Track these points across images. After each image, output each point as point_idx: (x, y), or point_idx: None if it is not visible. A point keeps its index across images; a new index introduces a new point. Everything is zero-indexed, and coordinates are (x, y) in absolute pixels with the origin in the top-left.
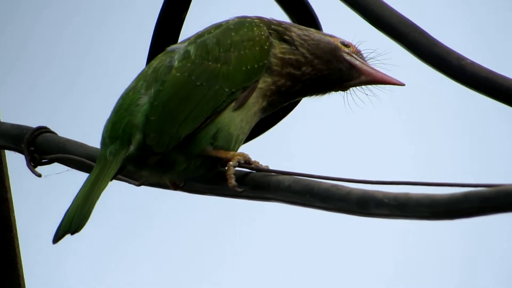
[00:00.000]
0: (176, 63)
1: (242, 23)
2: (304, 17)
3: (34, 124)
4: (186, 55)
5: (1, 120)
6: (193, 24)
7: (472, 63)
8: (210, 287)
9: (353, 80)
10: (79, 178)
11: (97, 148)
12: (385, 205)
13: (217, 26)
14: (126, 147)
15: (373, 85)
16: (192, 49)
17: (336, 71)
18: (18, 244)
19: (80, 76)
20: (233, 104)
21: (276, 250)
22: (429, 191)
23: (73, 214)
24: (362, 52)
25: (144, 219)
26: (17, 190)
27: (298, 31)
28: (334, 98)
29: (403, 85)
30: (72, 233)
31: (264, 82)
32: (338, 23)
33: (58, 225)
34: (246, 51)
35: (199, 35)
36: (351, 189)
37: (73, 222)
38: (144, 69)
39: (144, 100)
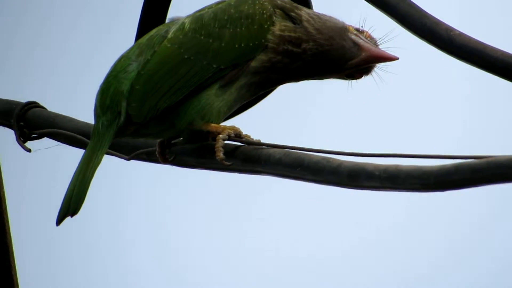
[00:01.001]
0: (169, 34)
1: (245, 0)
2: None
3: (23, 99)
4: (180, 27)
5: None
6: (182, 0)
7: (461, 34)
8: (201, 265)
9: (354, 57)
10: (69, 152)
11: (87, 123)
12: (375, 177)
13: (220, 1)
14: (118, 118)
15: (372, 63)
16: (187, 22)
17: (339, 47)
18: (7, 219)
19: (69, 50)
20: (219, 81)
21: (267, 223)
22: (420, 163)
23: (71, 195)
24: (376, 38)
25: (134, 195)
26: (6, 165)
27: (310, 11)
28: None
29: (397, 58)
30: (72, 215)
31: (258, 61)
32: (336, 5)
33: (60, 206)
34: (243, 28)
35: (199, 10)
36: (342, 162)
37: (71, 203)
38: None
39: (133, 66)
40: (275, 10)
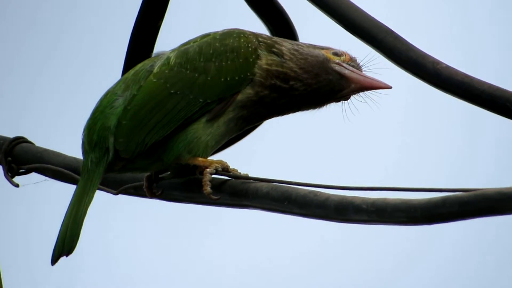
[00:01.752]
0: (155, 69)
1: (230, 34)
2: (281, 27)
3: (11, 134)
4: (166, 61)
5: None
6: (169, 32)
7: (448, 67)
8: None
9: (345, 89)
10: (57, 187)
11: (74, 157)
12: (363, 211)
13: (204, 35)
14: (106, 154)
15: (365, 92)
16: (172, 56)
17: (326, 83)
18: None
19: (56, 85)
20: (206, 115)
21: (256, 256)
22: (407, 196)
23: (64, 234)
24: (357, 59)
25: (123, 230)
26: None
27: (288, 45)
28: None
29: (390, 87)
30: (67, 255)
31: (245, 94)
32: (316, 32)
33: (54, 246)
34: (228, 62)
35: (184, 44)
36: (329, 195)
37: (65, 243)
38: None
39: (119, 102)
40: (260, 43)
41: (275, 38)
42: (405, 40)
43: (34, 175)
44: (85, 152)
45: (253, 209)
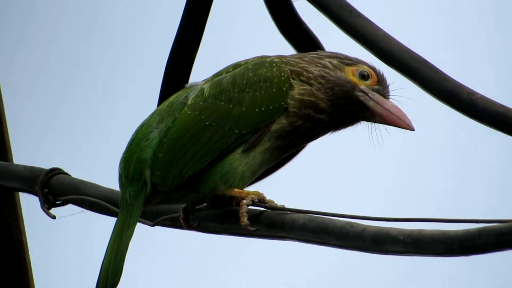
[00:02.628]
0: (189, 101)
1: (262, 63)
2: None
3: (47, 166)
4: (200, 93)
5: (15, 162)
6: (203, 64)
7: (483, 97)
8: None
9: (368, 119)
10: (93, 219)
11: (110, 189)
12: (400, 242)
13: (236, 65)
14: (144, 187)
15: (386, 125)
16: (206, 87)
17: (351, 113)
18: (34, 286)
19: (93, 117)
20: (242, 146)
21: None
22: (443, 227)
23: (107, 269)
24: (386, 79)
25: (160, 261)
26: (31, 232)
27: (316, 71)
28: (347, 136)
29: (413, 130)
30: None
31: (279, 124)
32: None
33: (96, 281)
34: (262, 92)
35: (216, 74)
36: (366, 227)
37: (108, 278)
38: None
39: (155, 134)
40: (292, 72)
41: (303, 63)
42: (440, 70)
43: (70, 207)
44: (122, 185)
45: (290, 240)
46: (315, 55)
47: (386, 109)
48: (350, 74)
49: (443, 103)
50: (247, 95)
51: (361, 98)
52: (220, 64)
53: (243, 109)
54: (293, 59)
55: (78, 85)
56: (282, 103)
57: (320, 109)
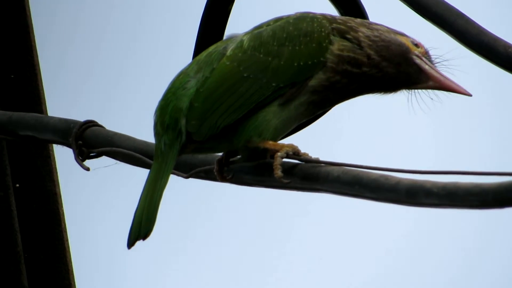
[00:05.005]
0: (228, 52)
1: (303, 18)
2: (350, 8)
3: (81, 118)
4: (239, 44)
5: (49, 115)
6: (239, 17)
7: None
8: (264, 280)
9: (420, 83)
10: (127, 171)
11: (144, 141)
12: (434, 195)
13: (277, 19)
14: (180, 136)
15: (440, 91)
16: (246, 39)
17: (404, 74)
18: (67, 238)
19: (126, 69)
20: (278, 99)
21: (326, 241)
22: (478, 180)
23: (141, 218)
24: (431, 53)
25: (194, 213)
26: (65, 184)
27: (367, 31)
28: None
29: (470, 95)
30: (144, 238)
31: (317, 79)
32: (385, 13)
33: (129, 229)
34: (302, 46)
35: (257, 27)
36: (400, 179)
37: (141, 226)
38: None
39: (192, 83)
40: (333, 28)
41: (352, 23)
42: (476, 23)
43: (104, 159)
44: (157, 133)
45: (324, 193)
46: (365, 21)
47: (442, 74)
48: (404, 39)
49: (480, 56)
50: (287, 48)
51: (417, 61)
52: (256, 18)
53: (282, 62)
54: (340, 19)
55: (112, 38)
56: (322, 59)
57: (362, 64)
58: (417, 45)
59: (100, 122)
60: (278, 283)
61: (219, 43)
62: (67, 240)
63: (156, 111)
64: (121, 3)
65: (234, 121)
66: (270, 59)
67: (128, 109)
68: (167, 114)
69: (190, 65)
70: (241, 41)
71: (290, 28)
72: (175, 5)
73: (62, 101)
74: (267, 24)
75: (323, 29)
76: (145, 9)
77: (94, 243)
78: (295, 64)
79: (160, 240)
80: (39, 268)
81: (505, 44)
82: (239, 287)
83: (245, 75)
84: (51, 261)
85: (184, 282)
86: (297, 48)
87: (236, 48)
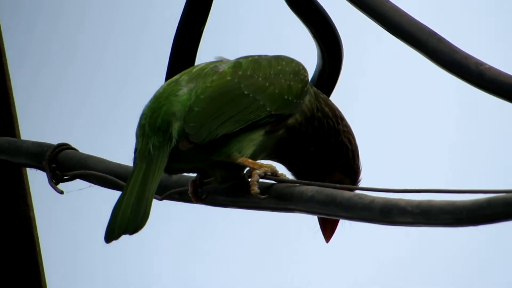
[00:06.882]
0: (226, 68)
1: (291, 59)
2: (322, 29)
3: (54, 141)
4: (237, 64)
5: (22, 138)
6: (210, 39)
7: (491, 68)
8: None
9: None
10: (101, 194)
11: (118, 163)
12: (408, 213)
13: (265, 55)
14: (169, 142)
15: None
16: (243, 61)
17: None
18: (42, 262)
19: (98, 92)
20: (268, 126)
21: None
22: (452, 198)
23: (129, 213)
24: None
25: (167, 234)
26: (39, 208)
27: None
28: (358, 107)
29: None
30: (132, 233)
31: (294, 119)
32: (358, 35)
33: (107, 225)
34: (292, 83)
35: (248, 56)
36: (374, 198)
37: (130, 221)
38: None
39: (184, 91)
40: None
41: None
42: (448, 41)
43: (78, 182)
44: (145, 135)
45: (298, 212)
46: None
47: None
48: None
49: (452, 74)
50: (281, 80)
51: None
52: (228, 40)
53: (276, 91)
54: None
55: (84, 61)
56: (301, 101)
57: (323, 126)
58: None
59: (73, 145)
60: None
61: (207, 63)
62: (42, 263)
63: (144, 113)
64: (91, 25)
65: (222, 135)
66: (267, 84)
67: (101, 132)
68: (159, 116)
69: (180, 75)
70: (239, 62)
71: (283, 62)
72: (148, 27)
73: (35, 125)
74: (258, 56)
75: (306, 75)
76: (115, 30)
77: (69, 266)
78: (286, 97)
79: (133, 263)
80: None
81: (476, 61)
82: None
83: (245, 92)
84: (26, 285)
85: None
86: (288, 83)
87: (234, 67)
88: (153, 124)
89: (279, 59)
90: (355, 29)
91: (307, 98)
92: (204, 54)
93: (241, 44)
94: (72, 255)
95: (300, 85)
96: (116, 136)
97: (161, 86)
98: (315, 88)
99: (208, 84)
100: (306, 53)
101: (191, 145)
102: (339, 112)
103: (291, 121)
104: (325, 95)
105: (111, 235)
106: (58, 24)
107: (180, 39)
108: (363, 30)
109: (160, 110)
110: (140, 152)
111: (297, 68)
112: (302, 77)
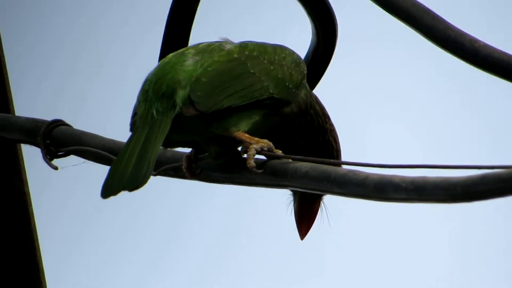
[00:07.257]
0: (233, 47)
1: (293, 51)
2: (318, 8)
3: (49, 118)
4: (243, 45)
5: (16, 114)
6: (203, 19)
7: (485, 45)
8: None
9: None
10: (95, 169)
11: (112, 140)
12: (402, 189)
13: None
14: (173, 108)
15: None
16: (249, 43)
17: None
18: (37, 237)
19: (93, 69)
20: (267, 109)
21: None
22: (446, 174)
23: (129, 171)
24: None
25: (160, 210)
26: (34, 183)
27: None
28: (352, 85)
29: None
30: (131, 190)
31: (290, 108)
32: (353, 13)
33: (105, 181)
34: (293, 72)
35: (250, 40)
36: (368, 174)
37: (129, 178)
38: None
39: (190, 62)
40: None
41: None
42: (443, 18)
43: (73, 158)
44: (148, 100)
45: (292, 188)
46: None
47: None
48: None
49: (446, 51)
50: (284, 67)
51: None
52: (222, 18)
53: (279, 76)
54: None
55: (80, 37)
56: (297, 91)
57: (314, 123)
58: None
59: (67, 121)
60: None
61: (212, 41)
62: (37, 239)
63: (148, 79)
64: (86, 3)
65: (224, 109)
66: (272, 67)
67: (95, 108)
68: (165, 82)
69: (185, 49)
70: (245, 43)
71: (286, 52)
72: (140, 5)
73: (29, 101)
74: (262, 42)
75: (305, 69)
76: (110, 8)
77: (64, 241)
78: (287, 84)
79: (128, 239)
80: (9, 267)
81: (471, 38)
82: None
83: (251, 71)
84: (21, 260)
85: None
86: (289, 71)
87: (241, 47)
88: (158, 90)
89: (282, 48)
90: (349, 5)
91: (303, 92)
92: (199, 35)
93: (234, 22)
94: (67, 230)
95: (299, 76)
96: (110, 112)
97: (167, 56)
98: (308, 86)
99: (216, 59)
100: (300, 31)
101: (197, 112)
102: (326, 111)
103: (287, 110)
104: (315, 94)
105: (109, 190)
106: (54, 1)
107: (173, 17)
108: (358, 8)
109: (165, 77)
110: (142, 116)
111: (298, 61)
112: (301, 69)
